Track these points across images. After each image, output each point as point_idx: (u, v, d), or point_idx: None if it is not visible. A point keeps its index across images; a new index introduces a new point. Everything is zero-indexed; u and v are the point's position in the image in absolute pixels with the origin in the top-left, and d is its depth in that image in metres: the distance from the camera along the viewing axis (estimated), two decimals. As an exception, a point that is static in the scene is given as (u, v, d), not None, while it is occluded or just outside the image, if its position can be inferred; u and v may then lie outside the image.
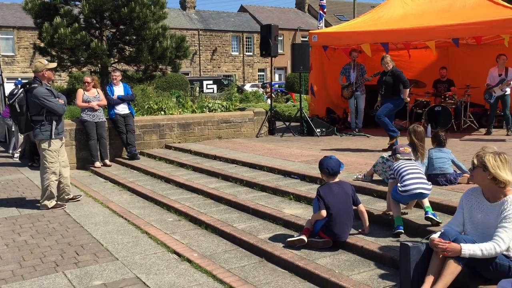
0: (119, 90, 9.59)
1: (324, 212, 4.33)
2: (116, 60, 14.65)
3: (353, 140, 10.26)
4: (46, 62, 6.55)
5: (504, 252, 3.26)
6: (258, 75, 47.90)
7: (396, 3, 11.86)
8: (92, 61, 13.77)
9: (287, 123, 11.96)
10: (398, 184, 4.50)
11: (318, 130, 11.09)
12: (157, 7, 13.84)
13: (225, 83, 30.23)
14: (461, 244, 3.19)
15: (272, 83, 35.11)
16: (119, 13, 13.10)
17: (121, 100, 9.48)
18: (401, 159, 4.69)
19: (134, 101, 11.02)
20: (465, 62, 11.95)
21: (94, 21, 14.03)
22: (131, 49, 14.42)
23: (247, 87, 32.36)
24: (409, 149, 4.76)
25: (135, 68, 15.12)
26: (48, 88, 6.42)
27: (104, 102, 9.28)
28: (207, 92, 27.51)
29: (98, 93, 9.24)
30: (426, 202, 4.51)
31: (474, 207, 3.50)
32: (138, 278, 4.12)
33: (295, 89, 20.47)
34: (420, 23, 10.29)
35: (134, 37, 13.98)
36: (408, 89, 8.27)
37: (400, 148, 4.79)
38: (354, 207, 4.53)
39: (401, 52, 12.73)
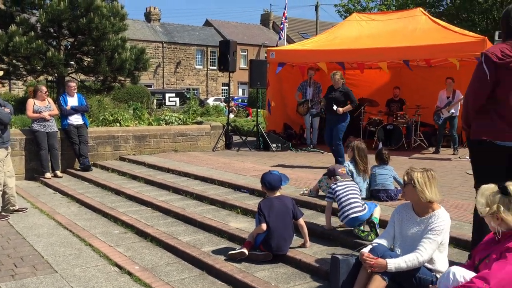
0: (73, 100, 9.47)
1: (264, 226, 4.42)
2: (73, 70, 14.45)
3: (307, 156, 10.45)
4: (-7, 70, 6.44)
5: (428, 265, 3.42)
6: (222, 89, 48.05)
7: (351, 23, 12.26)
8: (49, 70, 13.53)
9: (244, 138, 12.06)
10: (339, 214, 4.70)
11: (274, 145, 11.24)
12: (117, 18, 13.77)
13: (187, 96, 30.22)
14: (387, 260, 3.33)
15: (235, 97, 35.50)
16: (77, 23, 12.96)
17: (74, 110, 9.36)
18: (340, 180, 4.84)
19: (89, 112, 10.89)
20: (417, 83, 12.41)
21: (52, 30, 13.81)
22: (89, 60, 14.25)
23: (210, 101, 32.40)
24: (345, 170, 4.92)
25: (93, 78, 14.94)
26: (-5, 96, 6.30)
27: (55, 112, 9.15)
28: (169, 105, 27.42)
29: (49, 102, 9.12)
30: (375, 213, 4.69)
31: (404, 221, 3.66)
32: (75, 291, 4.08)
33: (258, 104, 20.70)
34: (374, 44, 10.66)
35: (93, 48, 13.83)
36: (352, 108, 8.33)
37: (339, 170, 4.94)
38: (294, 221, 4.63)
39: (357, 72, 13.11)
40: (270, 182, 4.58)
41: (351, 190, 4.76)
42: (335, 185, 4.86)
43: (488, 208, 2.87)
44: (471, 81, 3.60)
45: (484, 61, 3.47)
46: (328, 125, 8.45)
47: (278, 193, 4.64)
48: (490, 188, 2.92)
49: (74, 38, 14.02)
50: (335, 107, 8.07)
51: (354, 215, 4.60)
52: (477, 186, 3.74)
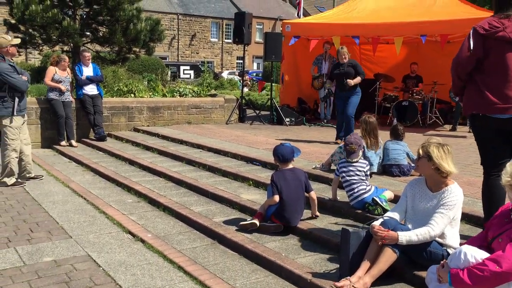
0: (88, 70, 9.51)
1: (276, 197, 4.44)
2: (88, 40, 14.43)
3: (321, 130, 10.41)
4: (10, 38, 6.48)
5: (439, 240, 3.41)
6: (237, 62, 47.75)
7: (369, -4, 12.01)
8: (64, 39, 13.52)
9: (258, 111, 12.03)
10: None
11: (288, 119, 11.20)
12: (132, -12, 13.68)
13: (202, 69, 30.12)
14: (398, 232, 3.33)
15: (250, 71, 35.25)
16: (93, -8, 12.93)
17: (89, 80, 9.41)
18: (349, 160, 4.81)
19: (104, 82, 10.93)
20: (434, 59, 12.16)
21: (67, 0, 13.77)
22: (104, 30, 14.21)
23: (225, 75, 32.26)
24: (355, 147, 4.83)
25: (108, 49, 14.92)
26: (11, 64, 6.34)
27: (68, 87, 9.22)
28: (184, 78, 27.35)
29: (68, 74, 9.18)
30: (385, 193, 4.67)
31: (417, 196, 3.64)
32: (89, 256, 4.17)
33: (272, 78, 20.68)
34: (391, 19, 10.45)
35: (108, 18, 13.76)
36: (361, 80, 8.26)
37: (349, 145, 4.84)
38: (306, 194, 4.64)
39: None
40: (283, 154, 4.58)
41: (355, 172, 4.71)
42: (341, 166, 4.84)
43: (509, 179, 2.84)
44: (458, 52, 3.60)
45: (472, 34, 3.51)
46: (340, 101, 8.34)
47: (290, 165, 4.65)
48: None
49: (90, 7, 13.95)
50: (349, 81, 7.99)
51: (360, 198, 4.61)
52: (483, 162, 3.71)
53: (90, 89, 9.46)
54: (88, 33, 14.50)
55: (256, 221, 4.49)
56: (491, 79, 3.49)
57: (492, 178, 3.55)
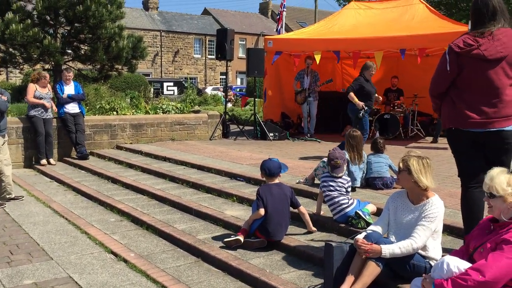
0: (69, 89, 9.43)
1: (262, 211, 4.43)
2: (70, 58, 14.34)
3: (304, 145, 10.45)
4: (-12, 57, 6.42)
5: (422, 252, 3.43)
6: (220, 78, 47.89)
7: (349, 12, 12.20)
8: (45, 58, 13.40)
9: (241, 127, 12.05)
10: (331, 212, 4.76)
11: (271, 134, 11.23)
12: (114, 6, 13.62)
13: (185, 85, 30.13)
14: (381, 245, 3.34)
15: (234, 87, 35.38)
16: (74, 11, 12.83)
17: (71, 99, 9.34)
18: (333, 174, 4.81)
19: (86, 101, 10.86)
20: (414, 72, 12.37)
21: (48, 18, 13.67)
22: (86, 48, 14.13)
23: (208, 90, 32.31)
24: (340, 161, 4.83)
25: (90, 67, 14.84)
26: (-10, 84, 6.28)
27: (52, 103, 9.15)
28: (167, 94, 27.32)
29: (49, 90, 9.12)
30: (368, 207, 4.69)
31: (399, 209, 3.67)
32: (71, 278, 4.09)
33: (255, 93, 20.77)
34: (371, 33, 10.61)
35: (90, 36, 13.69)
36: None
37: (334, 160, 4.84)
38: (294, 210, 4.66)
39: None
40: (270, 169, 4.60)
41: (335, 188, 4.71)
42: (322, 180, 4.85)
43: (510, 188, 2.87)
44: (435, 70, 3.66)
45: (447, 52, 3.57)
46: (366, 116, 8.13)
47: (277, 180, 4.66)
48: None
49: (71, 26, 13.87)
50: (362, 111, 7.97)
51: (342, 212, 4.62)
52: (460, 174, 3.76)
53: (72, 108, 9.38)
54: (69, 51, 14.40)
55: (241, 237, 4.47)
56: (466, 95, 3.55)
57: (470, 190, 3.60)
